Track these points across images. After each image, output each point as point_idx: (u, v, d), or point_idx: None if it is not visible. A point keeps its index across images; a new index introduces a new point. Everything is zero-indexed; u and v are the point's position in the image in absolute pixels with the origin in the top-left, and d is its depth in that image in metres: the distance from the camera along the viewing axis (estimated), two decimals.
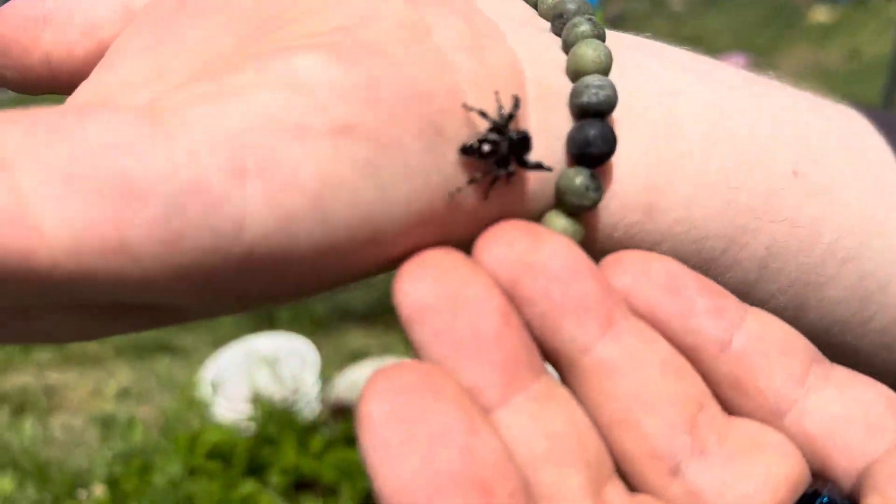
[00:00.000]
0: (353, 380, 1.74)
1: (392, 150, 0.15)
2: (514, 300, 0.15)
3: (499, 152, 0.16)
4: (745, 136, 0.21)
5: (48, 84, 0.20)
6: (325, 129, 0.14)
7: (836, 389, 0.16)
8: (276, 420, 1.74)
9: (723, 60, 0.23)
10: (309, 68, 0.14)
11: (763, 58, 3.83)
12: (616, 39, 0.21)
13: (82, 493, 1.57)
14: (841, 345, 0.23)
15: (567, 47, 0.19)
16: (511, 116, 0.17)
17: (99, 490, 1.59)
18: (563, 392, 0.15)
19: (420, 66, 0.16)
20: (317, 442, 1.68)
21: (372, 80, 0.15)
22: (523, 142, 0.17)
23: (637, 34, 0.23)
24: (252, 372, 1.72)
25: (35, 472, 1.58)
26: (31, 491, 1.55)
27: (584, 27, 0.18)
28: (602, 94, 0.17)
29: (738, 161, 0.20)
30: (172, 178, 0.12)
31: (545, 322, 0.15)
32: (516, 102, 0.17)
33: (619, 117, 0.19)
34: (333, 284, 0.16)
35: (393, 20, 0.16)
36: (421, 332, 0.14)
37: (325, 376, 1.74)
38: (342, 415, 1.76)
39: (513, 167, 0.17)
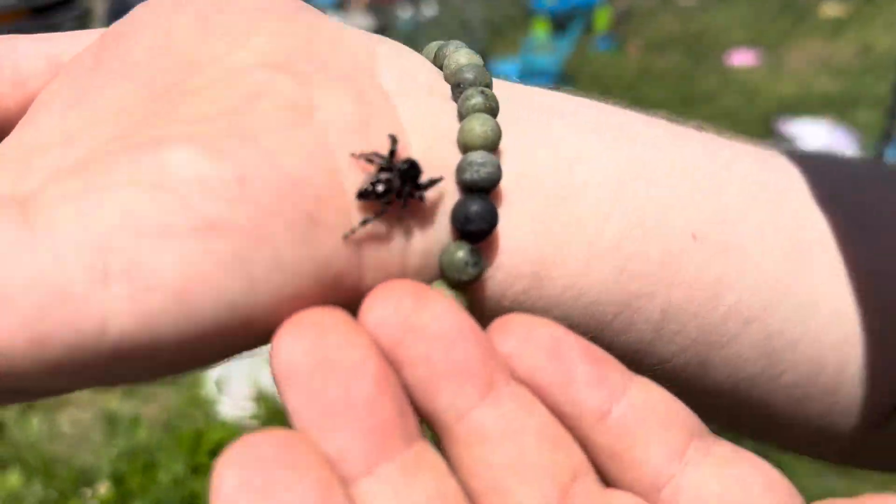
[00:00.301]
0: None
1: (262, 244, 0.15)
2: (394, 363, 0.15)
3: (393, 188, 0.17)
4: (643, 201, 0.21)
5: None
6: (190, 227, 0.14)
7: (715, 466, 0.16)
8: (280, 418, 1.75)
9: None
10: (178, 164, 0.15)
11: (772, 53, 3.80)
12: (523, 100, 0.21)
13: (87, 492, 1.58)
14: (749, 399, 0.24)
15: (461, 118, 0.19)
16: (392, 152, 0.18)
17: (104, 488, 1.61)
18: (435, 460, 0.15)
19: (297, 152, 0.16)
20: None
21: (242, 174, 0.15)
22: (412, 168, 0.17)
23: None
24: (256, 370, 1.74)
25: (42, 468, 1.60)
26: (37, 487, 1.57)
27: (476, 100, 0.19)
28: (483, 172, 0.18)
29: (633, 227, 0.21)
30: (39, 283, 0.13)
31: (424, 386, 0.15)
32: (393, 139, 0.18)
33: (510, 187, 0.19)
34: (211, 361, 0.16)
35: (278, 100, 0.17)
36: (292, 395, 0.14)
37: None
38: None
39: (416, 193, 0.18)
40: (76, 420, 1.71)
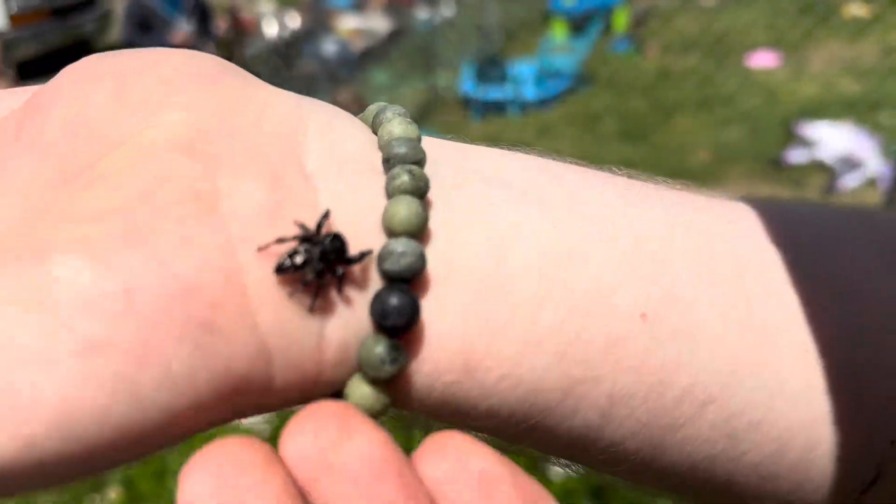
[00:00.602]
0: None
1: (148, 361, 0.15)
2: (310, 499, 0.15)
3: (312, 260, 0.16)
4: (586, 282, 0.19)
5: None
6: (70, 351, 0.14)
7: None
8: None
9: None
10: (61, 279, 0.14)
11: (794, 54, 3.75)
12: (461, 169, 0.20)
13: (97, 497, 1.59)
14: (712, 479, 0.22)
15: (388, 198, 0.18)
16: (320, 226, 0.17)
17: (115, 492, 1.62)
18: None
19: (192, 254, 0.15)
20: None
21: (129, 285, 0.15)
22: (336, 242, 0.17)
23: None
24: None
25: None
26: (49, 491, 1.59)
27: (402, 179, 0.18)
28: (404, 262, 0.17)
29: (573, 312, 0.19)
30: None
31: None
32: (326, 213, 0.17)
33: (437, 273, 0.18)
34: (106, 469, 0.16)
35: (181, 189, 0.16)
36: None
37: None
38: None
39: (340, 269, 0.17)
40: None
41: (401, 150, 0.18)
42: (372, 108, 0.21)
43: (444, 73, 4.64)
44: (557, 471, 1.44)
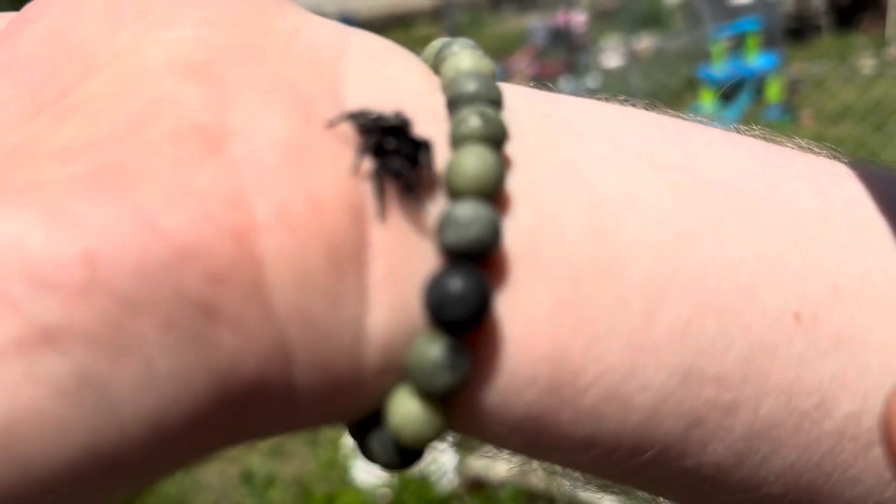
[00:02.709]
0: (491, 456, 1.69)
1: (122, 356, 0.11)
2: None
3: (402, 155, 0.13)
4: (718, 273, 0.15)
5: None
6: (14, 342, 0.10)
7: None
8: (411, 490, 1.71)
9: None
10: (7, 242, 0.11)
11: None
12: (550, 117, 0.15)
13: None
14: None
15: (454, 148, 0.14)
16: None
17: None
18: None
19: (185, 204, 0.11)
20: None
21: (93, 248, 0.11)
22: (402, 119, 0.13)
23: (618, 100, 0.18)
24: None
25: None
26: None
27: (473, 123, 0.13)
28: (472, 233, 0.12)
29: (702, 310, 0.14)
30: None
31: None
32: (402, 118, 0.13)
33: (517, 253, 0.13)
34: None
35: (178, 123, 0.12)
36: None
37: (464, 449, 1.71)
38: (478, 490, 1.70)
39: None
40: (224, 474, 1.76)
41: (470, 86, 0.14)
42: (434, 44, 0.16)
43: None
44: None
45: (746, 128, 0.18)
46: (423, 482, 1.71)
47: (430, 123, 0.14)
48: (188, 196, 0.11)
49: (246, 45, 0.14)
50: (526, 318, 0.13)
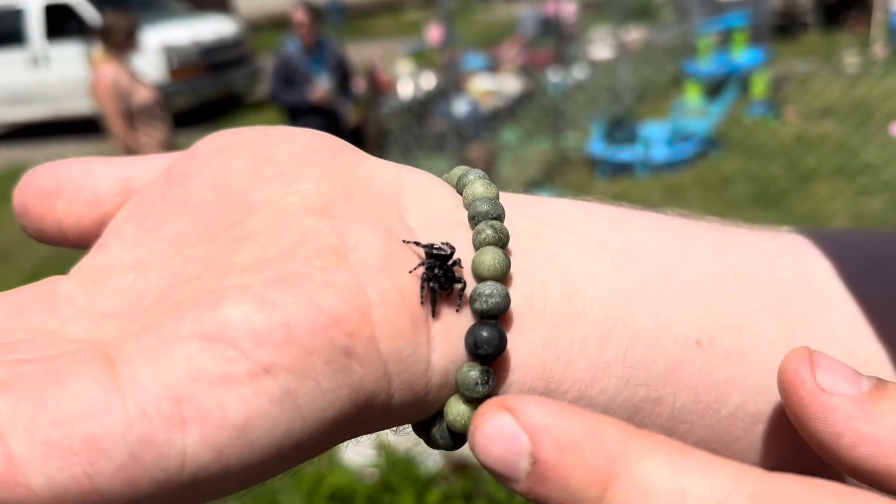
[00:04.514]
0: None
1: (306, 379, 0.18)
2: None
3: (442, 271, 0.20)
4: (646, 315, 0.22)
5: (61, 242, 0.24)
6: (247, 373, 0.17)
7: None
8: (398, 470, 1.78)
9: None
10: (234, 318, 0.18)
11: None
12: (537, 220, 0.23)
13: None
14: None
15: (475, 249, 0.21)
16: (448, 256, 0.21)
17: None
18: None
19: (333, 294, 0.19)
20: (434, 496, 1.70)
21: (287, 320, 0.18)
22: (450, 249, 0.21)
23: (584, 198, 0.26)
24: None
25: None
26: None
27: (487, 233, 0.21)
28: (492, 302, 0.20)
29: (636, 340, 0.22)
30: (128, 434, 0.16)
31: None
32: (451, 249, 0.21)
33: (519, 310, 0.21)
34: (269, 478, 0.19)
35: (320, 245, 0.20)
36: None
37: None
38: (462, 471, 1.78)
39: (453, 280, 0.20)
40: None
41: (483, 207, 0.22)
42: (456, 171, 0.24)
43: (573, 133, 4.68)
44: None
45: (671, 210, 0.27)
46: (410, 463, 1.79)
47: (458, 230, 0.22)
48: (333, 288, 0.19)
49: (345, 190, 0.22)
50: (526, 352, 0.21)
